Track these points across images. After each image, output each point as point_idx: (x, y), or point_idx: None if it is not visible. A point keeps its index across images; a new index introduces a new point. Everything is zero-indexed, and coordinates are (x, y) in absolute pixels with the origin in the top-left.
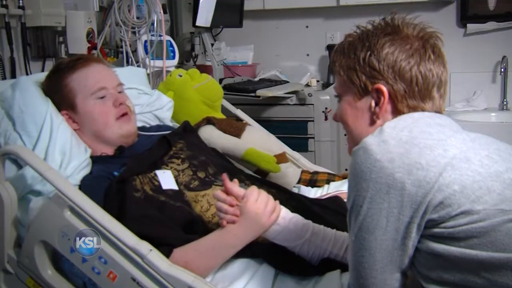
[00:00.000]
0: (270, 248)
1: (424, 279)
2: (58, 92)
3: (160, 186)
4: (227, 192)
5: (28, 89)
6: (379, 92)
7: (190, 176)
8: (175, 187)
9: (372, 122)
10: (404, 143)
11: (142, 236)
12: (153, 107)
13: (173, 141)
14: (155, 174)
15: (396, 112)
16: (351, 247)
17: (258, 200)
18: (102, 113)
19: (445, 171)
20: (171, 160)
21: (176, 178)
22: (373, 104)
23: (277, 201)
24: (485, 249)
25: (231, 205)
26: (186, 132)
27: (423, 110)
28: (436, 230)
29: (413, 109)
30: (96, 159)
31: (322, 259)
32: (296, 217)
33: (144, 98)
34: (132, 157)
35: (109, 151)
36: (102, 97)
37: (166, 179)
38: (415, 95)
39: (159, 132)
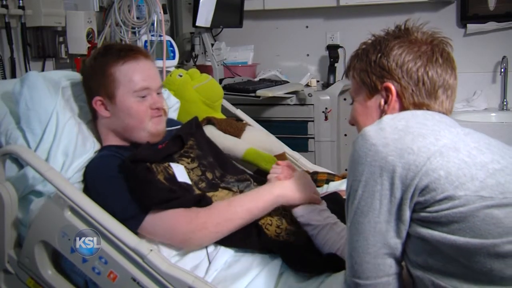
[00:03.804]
0: (282, 245)
1: (412, 264)
2: (99, 77)
3: (173, 176)
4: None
5: (36, 86)
6: (387, 90)
7: (199, 176)
8: (189, 182)
9: None
10: (399, 131)
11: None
12: None
13: (186, 139)
14: (169, 165)
15: (403, 110)
16: (347, 234)
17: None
18: (139, 112)
19: (433, 156)
20: (181, 158)
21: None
22: (382, 102)
23: None
24: (464, 234)
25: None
26: (197, 129)
27: (428, 108)
28: (423, 214)
29: (419, 107)
30: (107, 147)
31: (329, 258)
32: (328, 210)
33: None
34: (145, 146)
35: (126, 144)
36: (143, 96)
37: (180, 172)
38: (422, 94)
39: (172, 127)
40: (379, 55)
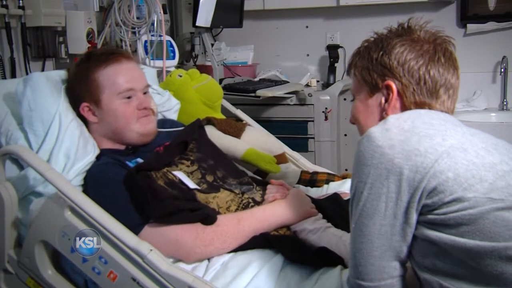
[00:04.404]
0: (281, 237)
1: (419, 267)
2: (84, 84)
3: (173, 181)
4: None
5: (39, 87)
6: (388, 88)
7: (199, 179)
8: (192, 185)
9: (381, 118)
10: (405, 131)
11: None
12: (163, 108)
13: (189, 143)
14: (168, 171)
15: (404, 109)
16: (351, 235)
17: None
18: (126, 113)
19: (441, 158)
20: (181, 161)
21: None
22: (383, 100)
23: None
24: (473, 237)
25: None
26: (199, 131)
27: (430, 107)
28: (430, 216)
29: (421, 106)
30: (105, 152)
31: (322, 251)
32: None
33: (156, 97)
34: (151, 153)
35: (121, 147)
36: (128, 97)
37: (183, 178)
38: (423, 93)
39: (172, 128)
40: (381, 53)
